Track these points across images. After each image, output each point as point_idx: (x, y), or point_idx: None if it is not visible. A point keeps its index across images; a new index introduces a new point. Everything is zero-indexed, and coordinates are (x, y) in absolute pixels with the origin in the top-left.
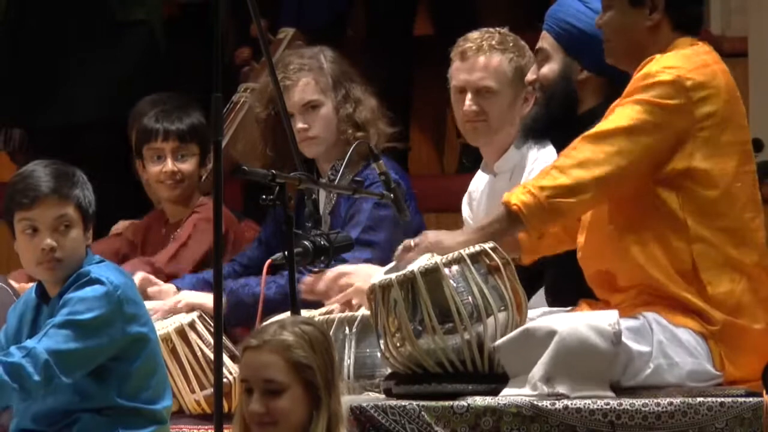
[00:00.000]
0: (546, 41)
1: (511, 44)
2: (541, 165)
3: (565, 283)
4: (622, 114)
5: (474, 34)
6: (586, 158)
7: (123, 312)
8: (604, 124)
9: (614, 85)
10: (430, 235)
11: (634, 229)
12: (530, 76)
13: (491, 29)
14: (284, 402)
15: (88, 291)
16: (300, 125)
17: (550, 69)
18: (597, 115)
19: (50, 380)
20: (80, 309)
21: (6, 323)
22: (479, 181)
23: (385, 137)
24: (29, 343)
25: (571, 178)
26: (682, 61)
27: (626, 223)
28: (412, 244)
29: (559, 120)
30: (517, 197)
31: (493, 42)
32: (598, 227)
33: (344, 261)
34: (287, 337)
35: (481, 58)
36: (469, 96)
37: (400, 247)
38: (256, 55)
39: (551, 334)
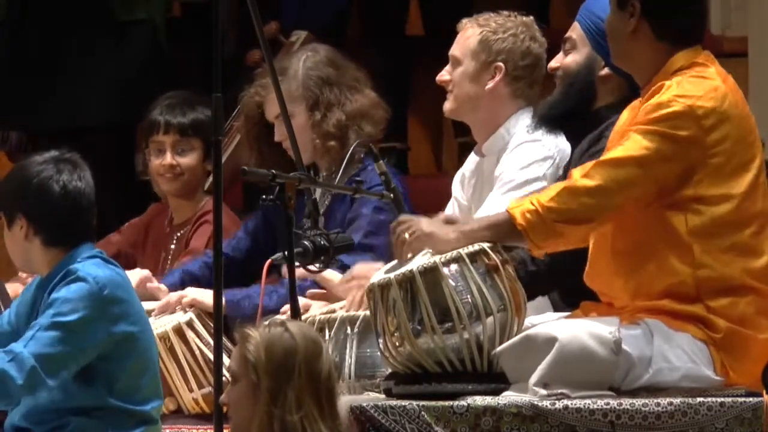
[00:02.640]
0: (575, 32)
1: (495, 22)
2: (522, 150)
3: (575, 282)
4: (635, 143)
5: (479, 14)
6: (597, 186)
7: (108, 311)
8: (617, 152)
9: (632, 87)
10: (424, 225)
11: (636, 253)
12: (553, 63)
13: (504, 11)
14: (233, 392)
15: (73, 290)
16: (276, 138)
17: (573, 60)
18: (606, 115)
19: (35, 385)
20: (65, 310)
21: (19, 299)
22: (470, 161)
23: (369, 139)
24: (16, 346)
25: (580, 205)
26: (693, 89)
27: (628, 247)
28: (406, 236)
29: (575, 112)
30: (522, 215)
31: (481, 18)
32: (602, 249)
33: (347, 266)
34: (252, 332)
35: (462, 31)
36: (447, 66)
37: (395, 236)
38: None
39: (552, 341)
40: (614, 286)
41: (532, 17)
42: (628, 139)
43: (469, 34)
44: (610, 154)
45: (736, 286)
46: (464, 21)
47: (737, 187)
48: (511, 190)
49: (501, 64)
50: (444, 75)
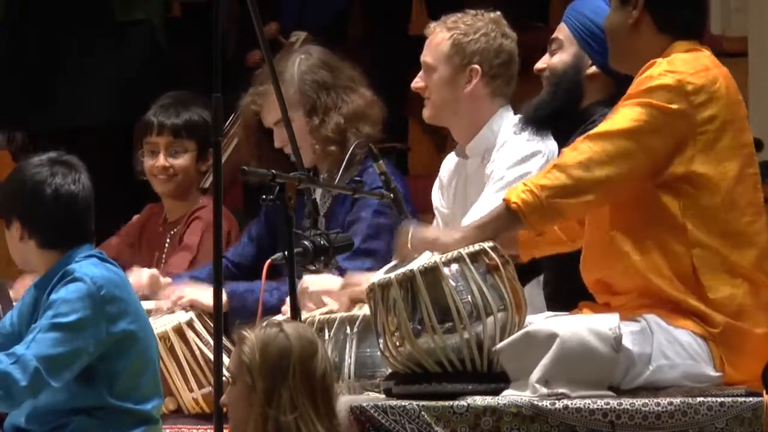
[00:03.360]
0: (562, 32)
1: (464, 24)
2: (509, 148)
3: (563, 283)
4: (624, 115)
5: (446, 17)
6: (587, 158)
7: (106, 311)
8: (606, 125)
9: (620, 85)
10: (428, 235)
11: (634, 234)
12: (539, 64)
13: (470, 11)
14: (231, 393)
15: (71, 291)
16: (276, 144)
17: (560, 59)
18: (594, 112)
19: (39, 386)
20: (64, 311)
21: (21, 301)
22: (448, 164)
23: (368, 139)
24: (18, 349)
25: (572, 178)
26: (684, 65)
27: (626, 228)
28: (410, 246)
29: (562, 112)
30: (517, 195)
31: (449, 21)
32: (597, 234)
33: (345, 271)
34: (248, 334)
35: (431, 36)
36: (420, 73)
37: (399, 247)
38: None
39: (552, 337)
40: (614, 270)
41: (499, 13)
42: (617, 113)
43: (439, 39)
44: (599, 128)
45: (732, 270)
46: (432, 25)
47: (728, 169)
48: (503, 189)
49: (476, 66)
50: (419, 82)
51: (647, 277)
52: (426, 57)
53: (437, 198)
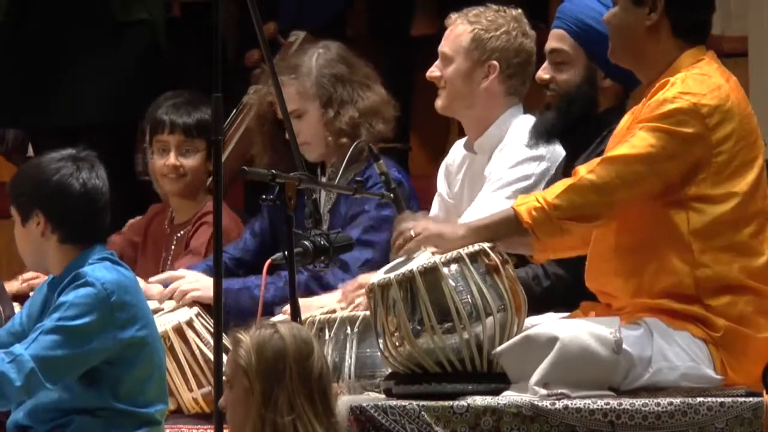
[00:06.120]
0: (566, 43)
1: (486, 19)
2: (512, 149)
3: (570, 289)
4: (640, 140)
5: (468, 9)
6: (602, 183)
7: (116, 318)
8: (624, 149)
9: (627, 89)
10: (432, 227)
11: (639, 251)
12: (543, 74)
13: (492, 6)
14: (228, 397)
15: (80, 295)
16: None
17: (574, 74)
18: (605, 119)
19: (34, 387)
20: (70, 314)
21: (31, 300)
22: (456, 153)
23: (380, 136)
24: (17, 348)
25: (585, 202)
26: (697, 86)
27: (628, 246)
28: (413, 234)
29: (576, 125)
30: (528, 212)
31: (471, 14)
32: (602, 248)
33: (344, 261)
34: (244, 336)
35: (451, 27)
36: (437, 62)
37: (399, 234)
38: None
39: (552, 340)
40: (614, 285)
41: (520, 10)
42: (633, 136)
43: (460, 30)
44: (615, 151)
45: (735, 286)
46: (453, 16)
47: (739, 186)
48: (500, 188)
49: (495, 62)
50: (434, 71)
51: (647, 295)
52: (444, 47)
53: (442, 184)
